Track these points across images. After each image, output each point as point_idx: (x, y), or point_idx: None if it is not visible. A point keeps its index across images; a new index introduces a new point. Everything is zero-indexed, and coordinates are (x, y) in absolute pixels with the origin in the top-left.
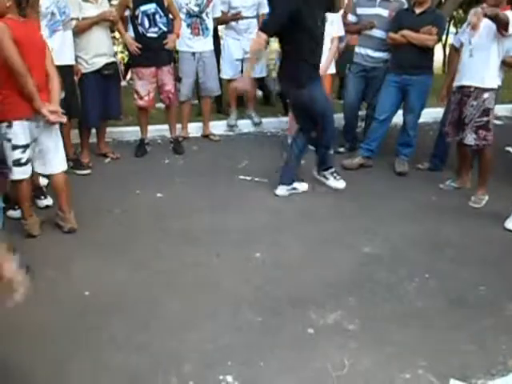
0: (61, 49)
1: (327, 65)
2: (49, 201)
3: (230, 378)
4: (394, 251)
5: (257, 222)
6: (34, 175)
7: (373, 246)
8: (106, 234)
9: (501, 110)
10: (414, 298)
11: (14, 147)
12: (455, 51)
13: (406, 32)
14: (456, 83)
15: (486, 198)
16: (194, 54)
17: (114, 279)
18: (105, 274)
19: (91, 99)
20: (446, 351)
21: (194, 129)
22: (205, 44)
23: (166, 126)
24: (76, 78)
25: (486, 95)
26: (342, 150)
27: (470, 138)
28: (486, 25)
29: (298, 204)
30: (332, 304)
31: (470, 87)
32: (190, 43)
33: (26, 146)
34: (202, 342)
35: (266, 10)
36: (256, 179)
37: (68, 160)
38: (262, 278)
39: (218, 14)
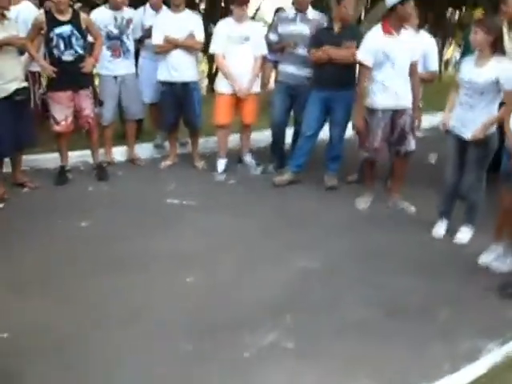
0: None
1: (251, 84)
2: None
3: None
4: (328, 265)
5: (187, 246)
6: None
7: (307, 262)
8: (27, 270)
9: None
10: (350, 310)
11: None
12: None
13: (327, 48)
14: (382, 105)
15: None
16: (115, 77)
17: (36, 318)
18: (26, 313)
19: (2, 127)
20: (385, 360)
21: (119, 153)
22: (126, 66)
23: (88, 152)
24: None
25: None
26: (270, 167)
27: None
28: (405, 48)
29: (228, 226)
30: (268, 324)
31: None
32: (110, 66)
33: None
34: (134, 374)
35: None
36: (184, 202)
37: None
38: (194, 303)
39: (139, 35)
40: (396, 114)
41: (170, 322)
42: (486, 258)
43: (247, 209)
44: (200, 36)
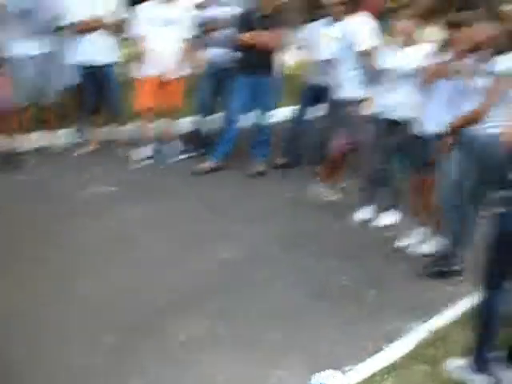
0: None
1: (175, 67)
2: None
3: None
4: (253, 252)
5: (108, 236)
6: None
7: (231, 250)
8: None
9: None
10: (278, 296)
11: None
12: None
13: (253, 33)
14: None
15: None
16: (29, 57)
17: None
18: None
19: None
20: (314, 344)
21: (34, 140)
22: (41, 46)
23: None
24: None
25: None
26: (194, 154)
27: None
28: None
29: (147, 214)
30: (197, 312)
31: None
32: (24, 45)
33: None
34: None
35: None
36: (105, 190)
37: None
38: (118, 295)
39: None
40: None
41: (95, 315)
42: (405, 242)
43: (170, 197)
44: (120, 16)
